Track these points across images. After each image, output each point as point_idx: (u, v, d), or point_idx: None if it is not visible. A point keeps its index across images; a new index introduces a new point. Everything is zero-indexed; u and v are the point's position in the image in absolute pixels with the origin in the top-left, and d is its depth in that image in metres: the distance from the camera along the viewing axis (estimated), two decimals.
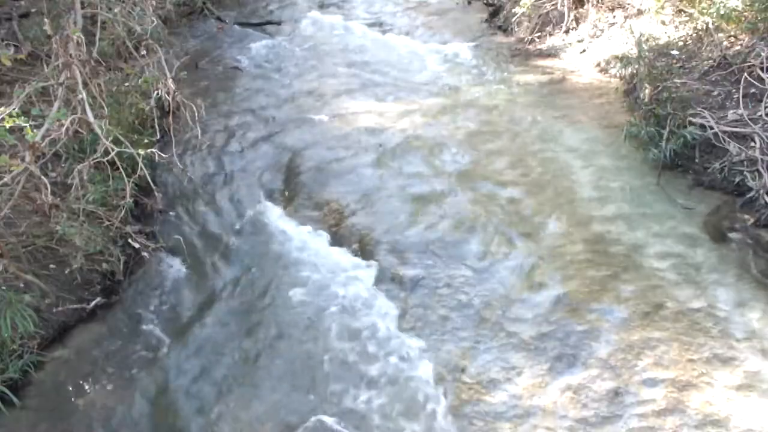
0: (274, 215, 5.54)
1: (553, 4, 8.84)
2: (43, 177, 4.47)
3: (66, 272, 4.55)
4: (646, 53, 6.71)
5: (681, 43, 7.04)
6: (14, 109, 4.20)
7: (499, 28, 9.65)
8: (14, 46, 6.38)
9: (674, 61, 6.77)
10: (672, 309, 4.22)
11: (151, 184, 5.11)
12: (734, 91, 5.98)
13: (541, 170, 5.81)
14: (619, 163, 5.82)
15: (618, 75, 7.37)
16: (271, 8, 10.97)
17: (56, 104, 4.84)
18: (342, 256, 5.01)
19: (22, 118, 4.08)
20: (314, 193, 5.78)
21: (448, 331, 4.24)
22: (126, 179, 4.86)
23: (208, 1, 10.16)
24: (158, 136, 6.11)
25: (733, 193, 5.18)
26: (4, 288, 4.13)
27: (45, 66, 5.51)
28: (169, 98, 5.67)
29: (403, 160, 6.14)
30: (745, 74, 5.99)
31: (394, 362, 4.04)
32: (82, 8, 5.86)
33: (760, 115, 5.54)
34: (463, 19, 10.20)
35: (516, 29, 9.29)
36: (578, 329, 4.14)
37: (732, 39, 6.68)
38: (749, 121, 5.49)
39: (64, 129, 4.59)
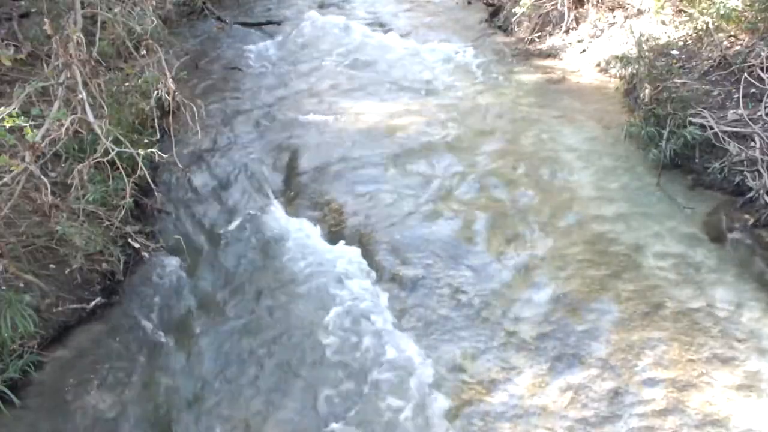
0: (274, 215, 5.54)
1: (553, 4, 8.84)
2: (43, 177, 4.46)
3: (66, 272, 4.55)
4: (646, 53, 6.71)
5: (681, 43, 7.03)
6: (14, 109, 4.19)
7: (499, 28, 9.66)
8: (14, 46, 6.37)
9: (674, 61, 6.76)
10: (672, 309, 4.22)
11: (151, 184, 5.11)
12: (734, 91, 5.98)
13: (541, 170, 5.81)
14: (619, 163, 5.83)
15: (618, 75, 7.37)
16: (271, 8, 10.98)
17: (56, 104, 4.83)
18: (342, 255, 5.00)
19: (22, 118, 4.07)
20: (314, 193, 5.78)
21: (448, 331, 4.24)
22: (126, 179, 4.85)
23: (208, 1, 10.15)
24: (158, 136, 6.11)
25: (733, 193, 5.18)
26: (4, 288, 4.13)
27: (45, 66, 5.49)
28: (169, 98, 5.66)
29: (403, 160, 6.13)
30: (745, 74, 5.99)
31: (394, 362, 4.03)
32: (82, 8, 5.84)
33: (760, 115, 5.54)
34: (463, 19, 10.21)
35: (516, 29, 9.30)
36: (578, 329, 4.15)
37: (732, 39, 6.68)
38: (749, 121, 5.49)
39: (64, 129, 4.58)
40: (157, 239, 5.20)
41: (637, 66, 6.77)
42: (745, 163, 5.23)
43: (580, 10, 8.61)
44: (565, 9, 8.61)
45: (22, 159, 4.29)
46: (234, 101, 7.59)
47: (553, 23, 8.84)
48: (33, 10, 7.22)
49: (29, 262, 4.46)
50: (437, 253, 4.90)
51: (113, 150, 4.77)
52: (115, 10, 6.34)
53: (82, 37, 5.25)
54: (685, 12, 7.25)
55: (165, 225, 5.46)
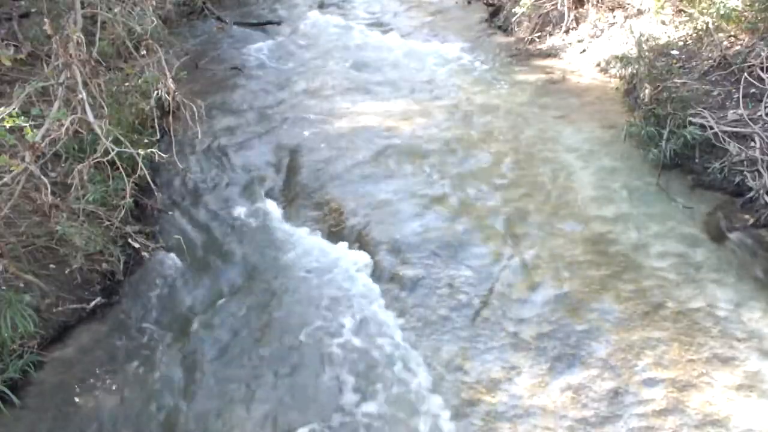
0: (274, 215, 5.54)
1: (553, 4, 8.84)
2: (43, 177, 4.46)
3: (66, 272, 4.55)
4: (646, 53, 6.71)
5: (681, 43, 7.04)
6: (14, 109, 4.19)
7: (499, 28, 9.65)
8: (14, 46, 6.38)
9: (674, 61, 6.77)
10: (672, 309, 4.22)
11: (151, 184, 5.11)
12: (734, 91, 5.98)
13: (541, 170, 5.81)
14: (619, 163, 5.83)
15: (618, 75, 7.37)
16: (271, 8, 10.98)
17: (56, 104, 4.84)
18: (342, 255, 5.00)
19: (22, 118, 4.07)
20: (314, 193, 5.78)
21: (448, 331, 4.24)
22: (126, 179, 4.85)
23: (208, 1, 10.16)
24: (158, 136, 6.12)
25: (733, 193, 5.18)
26: (4, 288, 4.13)
27: (45, 66, 5.50)
28: (169, 98, 5.66)
29: (403, 160, 6.13)
30: (745, 74, 5.99)
31: (394, 362, 4.03)
32: (82, 8, 5.85)
33: (760, 115, 5.54)
34: (463, 19, 10.21)
35: (516, 29, 9.30)
36: (578, 329, 4.15)
37: (732, 39, 6.68)
38: (749, 121, 5.49)
39: (64, 129, 4.59)
40: (157, 239, 5.20)
41: (637, 66, 6.77)
42: (745, 163, 5.23)
43: (580, 10, 8.61)
44: (565, 9, 8.61)
45: (22, 159, 4.30)
46: (234, 101, 7.59)
47: (553, 23, 8.84)
48: (33, 10, 7.23)
49: (29, 262, 4.46)
50: (437, 253, 4.90)
51: (113, 150, 4.77)
52: (115, 10, 6.34)
53: (82, 37, 5.26)
54: (685, 12, 7.25)
55: (165, 225, 5.46)
